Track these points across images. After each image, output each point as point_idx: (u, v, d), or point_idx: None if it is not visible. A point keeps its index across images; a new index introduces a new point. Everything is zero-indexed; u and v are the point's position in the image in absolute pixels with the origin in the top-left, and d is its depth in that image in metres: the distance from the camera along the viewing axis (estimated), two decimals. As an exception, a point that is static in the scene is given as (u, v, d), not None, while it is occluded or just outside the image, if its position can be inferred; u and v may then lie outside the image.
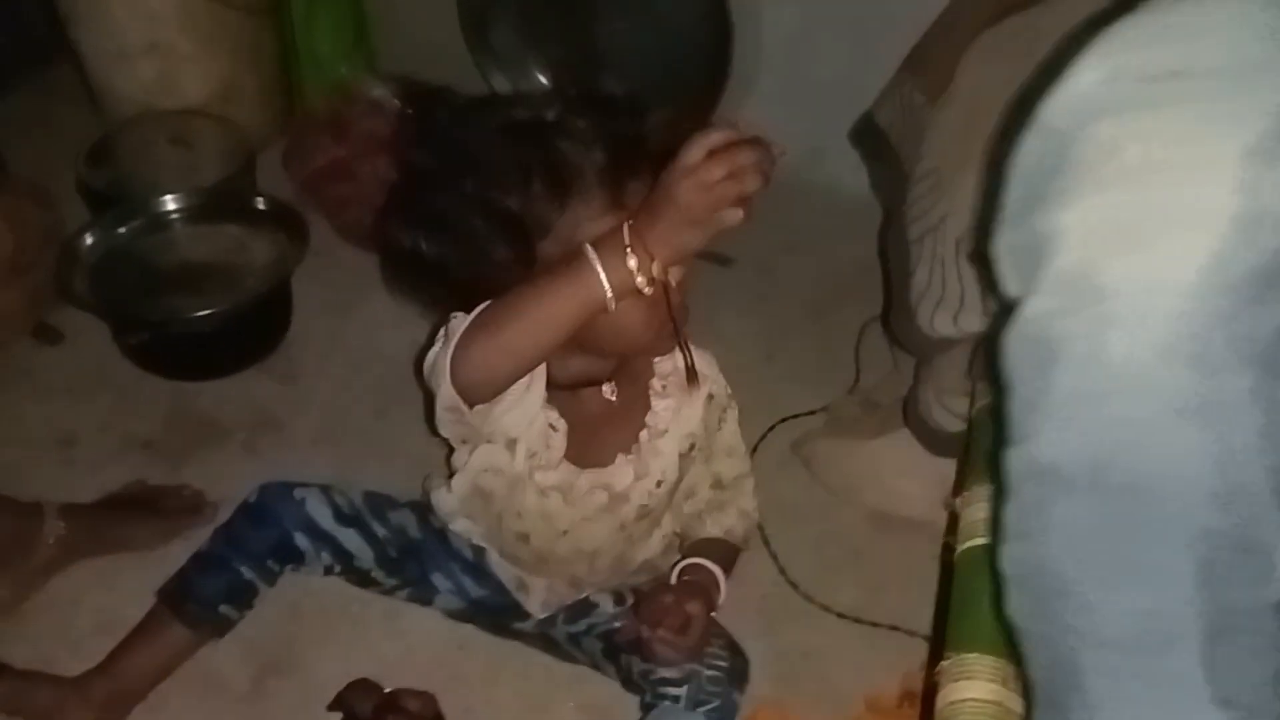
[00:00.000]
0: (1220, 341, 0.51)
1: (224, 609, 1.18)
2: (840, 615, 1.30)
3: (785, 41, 1.78)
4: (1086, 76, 0.55)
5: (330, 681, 1.19)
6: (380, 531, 1.21)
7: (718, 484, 1.20)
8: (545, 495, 1.07)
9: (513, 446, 1.04)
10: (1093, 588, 0.59)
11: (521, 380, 0.97)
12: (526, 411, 1.02)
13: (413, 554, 1.21)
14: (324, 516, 1.19)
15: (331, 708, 1.16)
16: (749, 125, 0.85)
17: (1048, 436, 0.57)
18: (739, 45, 1.75)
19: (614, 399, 1.07)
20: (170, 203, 1.59)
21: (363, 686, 1.16)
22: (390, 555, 1.21)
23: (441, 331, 1.00)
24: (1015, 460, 0.60)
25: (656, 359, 1.08)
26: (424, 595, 1.23)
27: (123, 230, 1.54)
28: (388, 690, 1.16)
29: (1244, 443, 0.53)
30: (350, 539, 1.20)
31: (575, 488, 1.08)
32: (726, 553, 1.18)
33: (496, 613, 1.21)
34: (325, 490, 1.21)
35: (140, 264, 1.53)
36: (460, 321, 0.95)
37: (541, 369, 0.99)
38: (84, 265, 1.49)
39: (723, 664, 1.10)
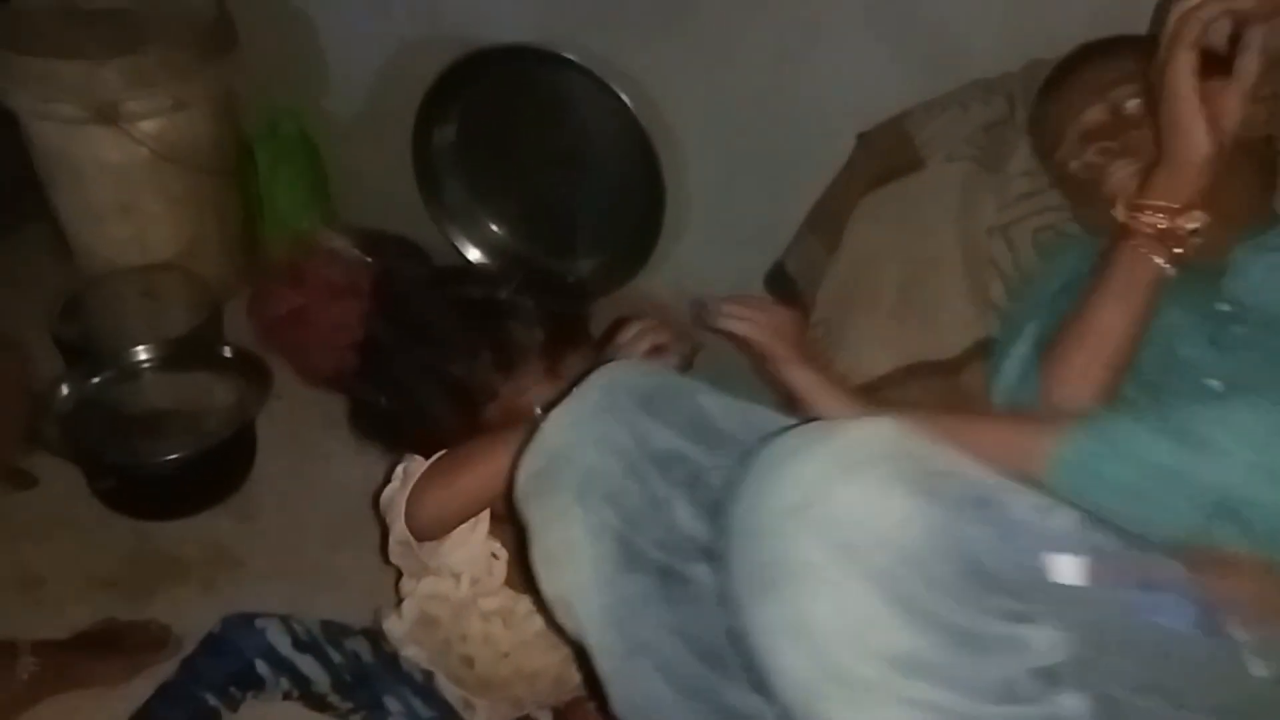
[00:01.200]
0: None
1: None
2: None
3: (710, 192, 1.94)
4: None
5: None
6: (336, 658, 1.30)
7: None
8: (488, 620, 1.18)
9: (458, 577, 1.16)
10: None
11: (468, 522, 1.09)
12: (470, 549, 1.15)
13: (366, 679, 1.29)
14: (283, 644, 1.28)
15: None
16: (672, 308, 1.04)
17: None
18: (670, 197, 1.91)
19: None
20: (141, 353, 1.71)
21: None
22: (345, 680, 1.29)
23: (399, 470, 1.13)
24: None
25: None
26: (377, 718, 1.30)
27: (95, 380, 1.65)
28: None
29: None
30: (308, 665, 1.28)
31: (515, 612, 1.18)
32: None
33: None
34: (284, 620, 1.31)
35: (110, 411, 1.64)
36: (416, 465, 1.09)
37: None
38: (57, 414, 1.60)
39: None
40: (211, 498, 1.66)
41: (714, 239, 1.94)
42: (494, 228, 2.15)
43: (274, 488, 1.71)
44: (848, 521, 0.69)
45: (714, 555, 0.78)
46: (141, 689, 1.39)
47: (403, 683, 1.28)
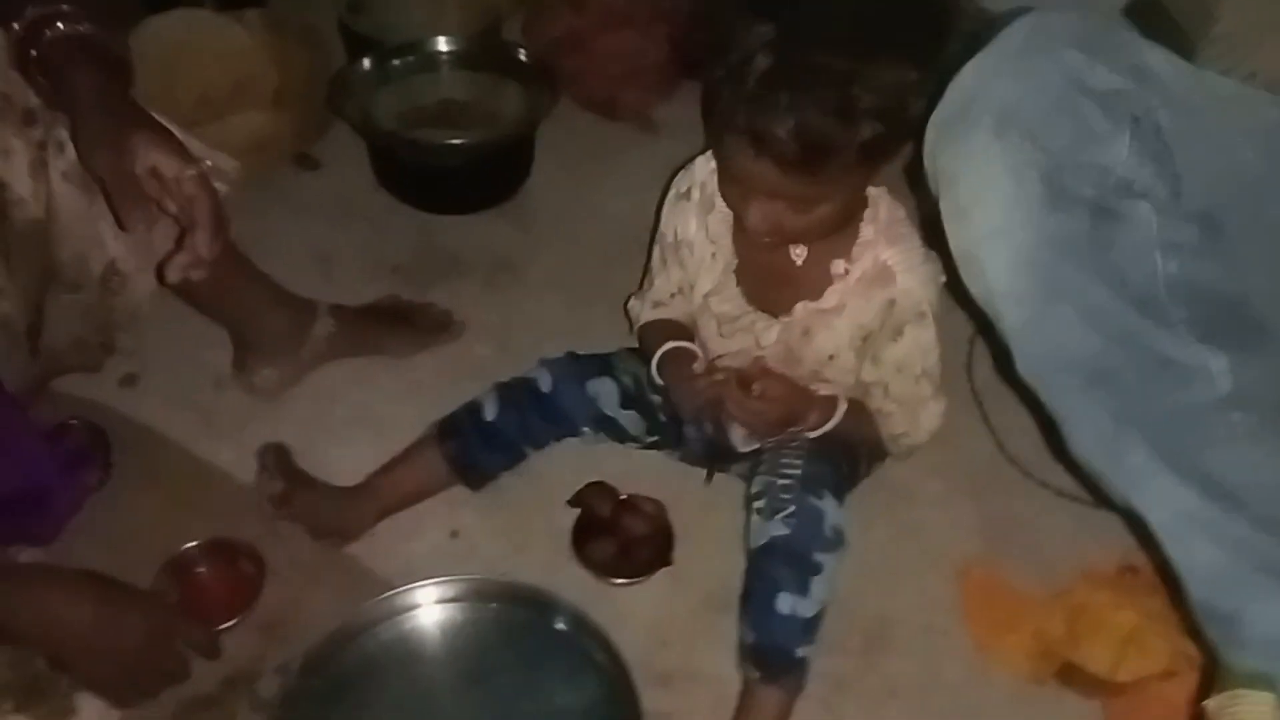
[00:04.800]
0: None
1: (500, 474, 1.27)
2: (1059, 493, 1.30)
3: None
4: None
5: (561, 483, 1.27)
6: (656, 401, 1.25)
7: (890, 395, 1.16)
8: (722, 330, 1.15)
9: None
10: None
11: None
12: (712, 271, 1.13)
13: (676, 417, 1.25)
14: (611, 404, 1.24)
15: (572, 503, 1.24)
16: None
17: None
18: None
19: (799, 262, 1.09)
20: (442, 44, 1.69)
21: (601, 488, 1.24)
22: (661, 421, 1.26)
23: None
24: None
25: (857, 245, 1.07)
26: (673, 446, 1.29)
27: (396, 63, 1.65)
28: (623, 496, 1.23)
29: None
30: (629, 419, 1.26)
31: (744, 320, 1.14)
32: (866, 418, 1.17)
33: (718, 453, 1.24)
34: (613, 373, 1.25)
35: (406, 95, 1.63)
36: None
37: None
38: (356, 90, 1.60)
39: (795, 471, 1.11)
40: (489, 199, 1.65)
41: None
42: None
43: (548, 203, 1.70)
44: None
45: (1152, 196, 0.68)
46: (427, 363, 1.44)
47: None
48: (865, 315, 1.08)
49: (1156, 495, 0.78)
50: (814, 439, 1.14)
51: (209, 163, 1.15)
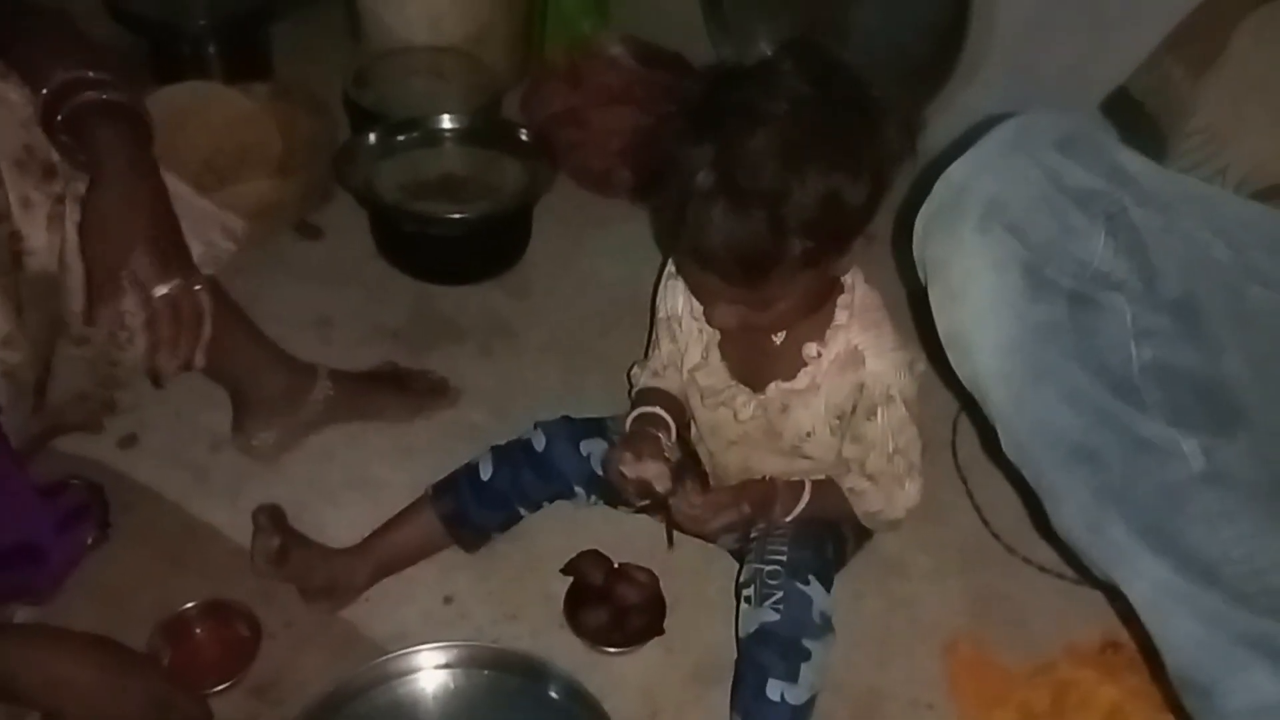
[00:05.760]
0: None
1: (494, 535, 1.29)
2: (1041, 569, 1.33)
3: (1019, 27, 1.81)
4: None
5: (554, 550, 1.29)
6: None
7: (867, 472, 1.17)
8: (705, 403, 1.18)
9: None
10: None
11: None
12: (698, 344, 1.17)
13: None
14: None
15: (565, 571, 1.25)
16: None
17: None
18: (973, 27, 1.79)
19: (778, 341, 1.12)
20: (445, 122, 1.74)
21: (594, 556, 1.26)
22: None
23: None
24: None
25: (830, 328, 1.10)
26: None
27: (400, 138, 1.70)
28: (616, 564, 1.25)
29: None
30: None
31: (726, 394, 1.17)
32: (836, 497, 1.18)
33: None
34: (606, 435, 1.27)
35: (410, 169, 1.68)
36: None
37: None
38: (361, 161, 1.64)
39: (780, 558, 1.13)
40: (488, 269, 1.69)
41: (1015, 80, 1.81)
42: (768, 51, 2.08)
43: (545, 272, 1.73)
44: None
45: (1126, 288, 0.72)
46: (423, 429, 1.46)
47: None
48: (838, 396, 1.11)
49: (1135, 569, 0.81)
50: (796, 524, 1.17)
51: (216, 232, 1.19)
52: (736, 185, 0.91)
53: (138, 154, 1.02)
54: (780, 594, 1.10)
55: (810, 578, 1.11)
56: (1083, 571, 1.15)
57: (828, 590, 1.13)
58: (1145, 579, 0.80)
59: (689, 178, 0.92)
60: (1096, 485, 0.79)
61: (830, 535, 1.20)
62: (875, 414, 1.10)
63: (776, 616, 1.09)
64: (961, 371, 0.82)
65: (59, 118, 1.02)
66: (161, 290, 1.01)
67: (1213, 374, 0.78)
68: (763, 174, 0.90)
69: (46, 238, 1.11)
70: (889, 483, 1.15)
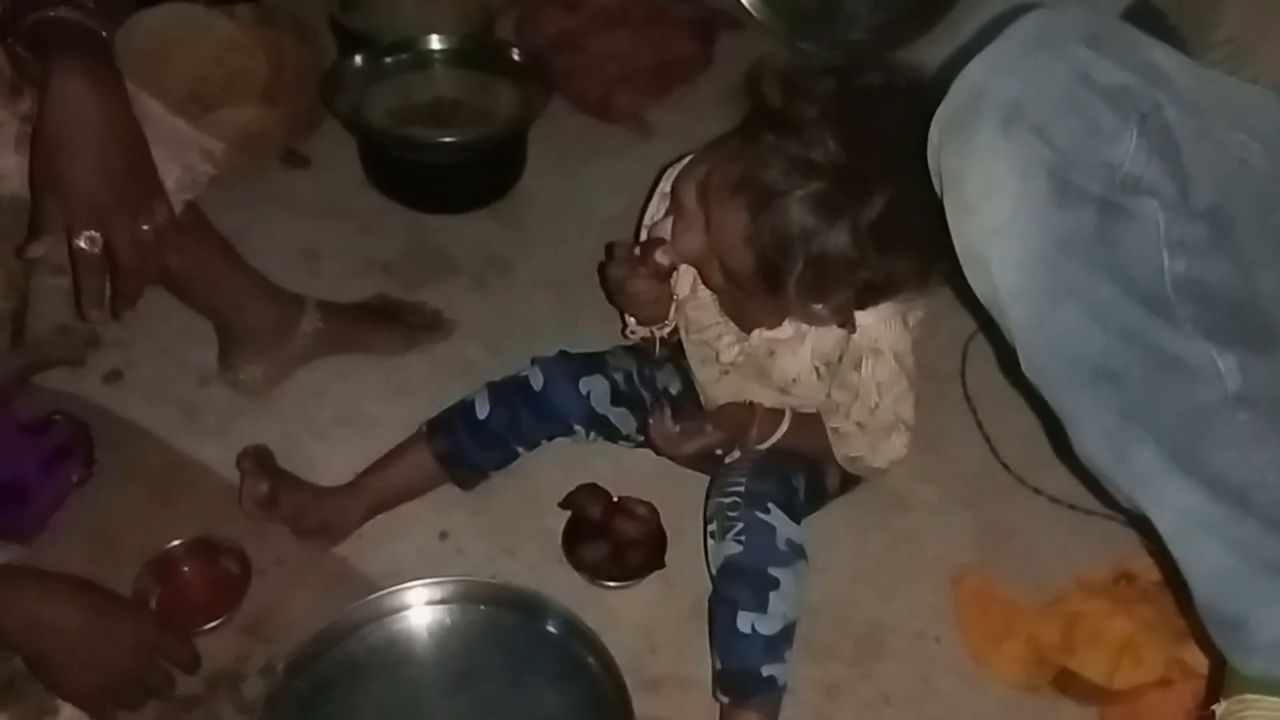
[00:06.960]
0: None
1: (490, 473, 1.26)
2: (1052, 499, 1.30)
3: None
4: None
5: (552, 484, 1.26)
6: (648, 399, 1.25)
7: (851, 418, 1.14)
8: (691, 337, 1.16)
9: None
10: None
11: None
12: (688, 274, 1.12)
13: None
14: (602, 402, 1.23)
15: (563, 505, 1.22)
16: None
17: None
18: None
19: None
20: (434, 42, 1.67)
21: (593, 490, 1.22)
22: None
23: None
24: None
25: None
26: None
27: (389, 60, 1.63)
28: (615, 498, 1.21)
29: None
30: (619, 417, 1.25)
31: (712, 332, 1.14)
32: (816, 433, 1.16)
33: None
34: (605, 370, 1.24)
35: (399, 93, 1.62)
36: None
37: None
38: (348, 86, 1.58)
39: (739, 488, 1.10)
40: (481, 198, 1.64)
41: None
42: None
43: (539, 203, 1.68)
44: None
45: (1159, 194, 0.68)
46: (416, 363, 1.42)
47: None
48: (825, 345, 1.08)
49: (1163, 494, 0.77)
50: (763, 455, 1.14)
51: (194, 154, 1.13)
52: (837, 199, 0.90)
53: (95, 65, 0.94)
54: (740, 524, 1.07)
55: (770, 505, 1.08)
56: (1104, 499, 1.13)
57: (794, 519, 1.10)
58: (1173, 505, 0.76)
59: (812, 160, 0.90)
60: (1123, 406, 0.75)
61: (804, 469, 1.17)
62: (861, 365, 1.08)
63: (739, 548, 1.06)
64: (979, 289, 0.77)
65: (19, 26, 0.96)
66: (90, 233, 0.92)
67: (1245, 290, 0.74)
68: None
69: (16, 160, 1.04)
70: (874, 433, 1.13)
